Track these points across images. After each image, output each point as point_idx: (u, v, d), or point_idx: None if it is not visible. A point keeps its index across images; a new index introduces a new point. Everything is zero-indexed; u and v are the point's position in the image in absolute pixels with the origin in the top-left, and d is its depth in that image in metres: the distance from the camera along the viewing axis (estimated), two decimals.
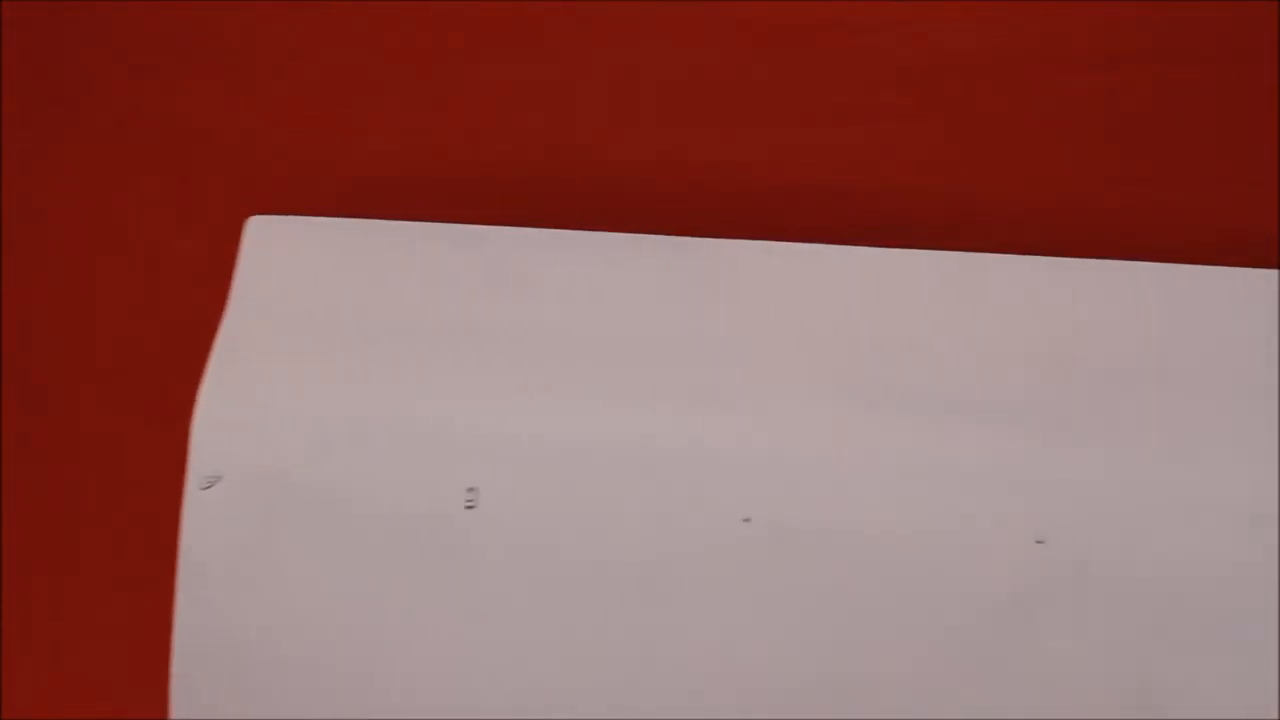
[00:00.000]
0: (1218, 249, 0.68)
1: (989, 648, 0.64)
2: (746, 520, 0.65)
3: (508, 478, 0.65)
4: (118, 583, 0.73)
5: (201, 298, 0.69)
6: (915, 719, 0.64)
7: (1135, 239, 0.69)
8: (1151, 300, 0.66)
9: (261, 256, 0.68)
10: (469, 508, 0.65)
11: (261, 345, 0.67)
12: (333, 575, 0.65)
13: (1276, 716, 0.61)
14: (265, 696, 0.65)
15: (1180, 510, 0.64)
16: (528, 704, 0.65)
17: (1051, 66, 0.68)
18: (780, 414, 0.66)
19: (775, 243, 0.67)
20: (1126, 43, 0.68)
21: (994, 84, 0.68)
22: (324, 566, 0.65)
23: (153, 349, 0.72)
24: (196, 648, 0.66)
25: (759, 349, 0.66)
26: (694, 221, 0.69)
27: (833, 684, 0.64)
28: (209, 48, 0.70)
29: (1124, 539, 0.64)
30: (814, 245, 0.67)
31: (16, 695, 0.73)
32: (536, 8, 0.69)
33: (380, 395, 0.66)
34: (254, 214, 0.69)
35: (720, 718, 0.65)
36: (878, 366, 0.66)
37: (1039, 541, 0.64)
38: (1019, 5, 0.68)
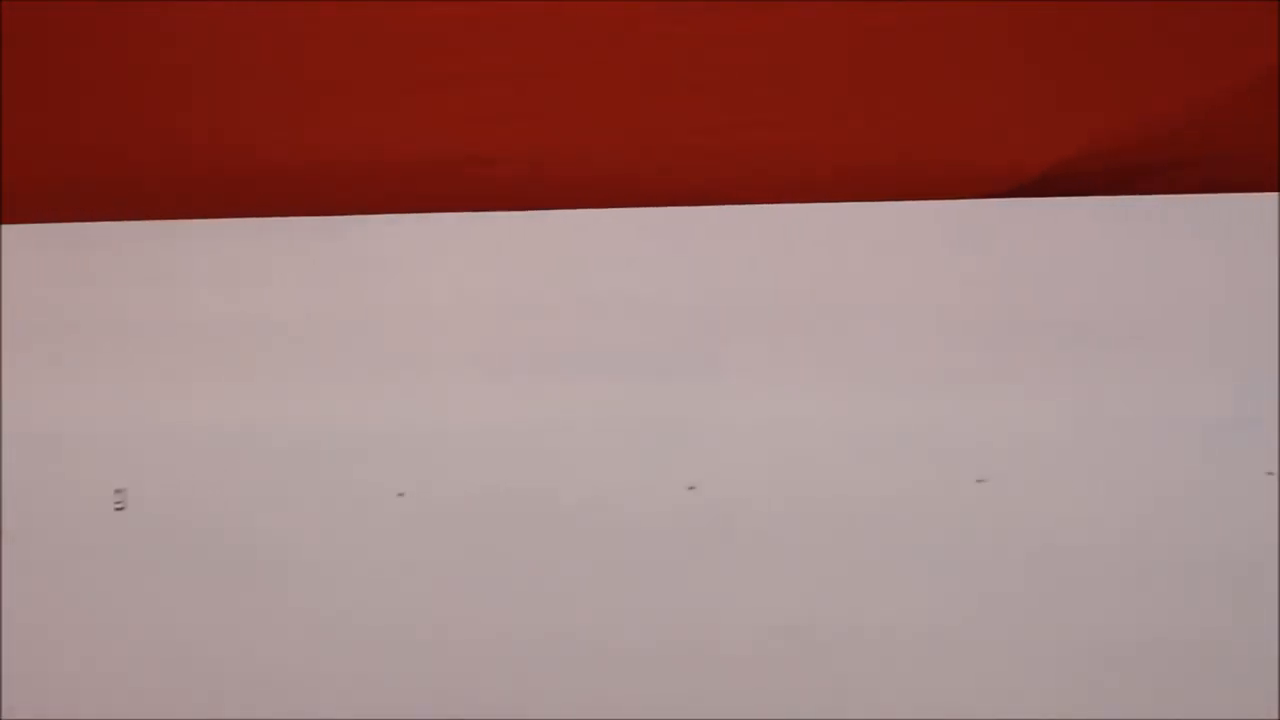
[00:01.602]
0: (834, 186, 0.71)
1: (645, 590, 0.65)
2: (401, 495, 0.66)
3: (155, 474, 0.65)
4: None
5: None
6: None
7: (784, 182, 0.72)
8: (818, 241, 0.69)
9: None
10: (118, 509, 0.65)
11: None
12: None
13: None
14: None
15: (825, 443, 0.66)
16: (194, 695, 0.64)
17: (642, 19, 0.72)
18: (429, 386, 0.67)
19: (415, 215, 0.69)
20: None
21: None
22: None
23: None
24: None
25: (403, 322, 0.68)
26: (320, 202, 0.70)
27: (492, 640, 0.65)
28: None
29: (772, 479, 0.66)
30: (459, 214, 0.69)
31: None
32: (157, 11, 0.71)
33: (21, 399, 0.66)
34: None
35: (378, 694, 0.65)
36: (524, 330, 0.68)
37: (690, 488, 0.66)
38: None
